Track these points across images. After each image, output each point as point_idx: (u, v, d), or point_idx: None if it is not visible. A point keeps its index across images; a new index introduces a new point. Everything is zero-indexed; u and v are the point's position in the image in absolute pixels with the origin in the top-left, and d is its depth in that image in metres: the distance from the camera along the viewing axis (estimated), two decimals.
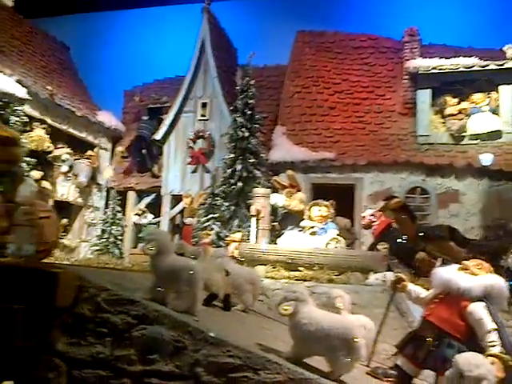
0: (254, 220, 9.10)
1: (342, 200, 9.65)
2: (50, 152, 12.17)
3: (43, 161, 11.76)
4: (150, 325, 4.48)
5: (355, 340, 4.10)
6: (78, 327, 4.70)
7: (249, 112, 11.26)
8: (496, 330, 3.96)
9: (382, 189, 10.38)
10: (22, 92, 9.94)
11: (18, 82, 10.41)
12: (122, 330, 4.53)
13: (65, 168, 12.59)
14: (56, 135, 12.36)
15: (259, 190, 9.49)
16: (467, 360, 3.50)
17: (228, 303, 5.90)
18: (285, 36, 13.74)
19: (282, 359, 4.16)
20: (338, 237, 8.35)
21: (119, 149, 14.08)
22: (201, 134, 12.62)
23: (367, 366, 5.07)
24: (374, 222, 8.59)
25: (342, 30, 13.89)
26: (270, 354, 4.23)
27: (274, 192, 9.62)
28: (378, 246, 8.07)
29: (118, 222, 13.29)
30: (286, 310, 4.27)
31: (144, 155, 13.71)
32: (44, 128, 11.67)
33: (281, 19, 15.48)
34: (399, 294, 5.28)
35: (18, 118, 10.35)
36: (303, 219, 9.05)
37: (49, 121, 11.98)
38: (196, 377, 4.16)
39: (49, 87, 12.03)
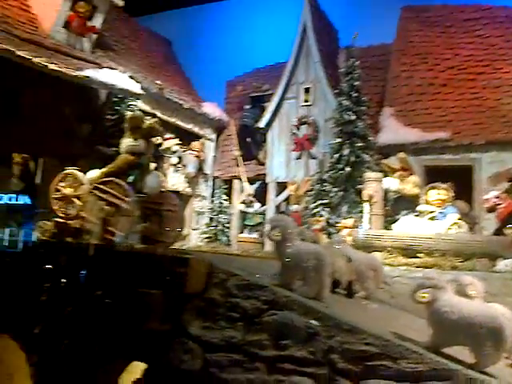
0: (366, 205, 8.85)
1: (458, 182, 9.09)
2: (159, 144, 12.62)
3: (155, 152, 12.22)
4: (280, 310, 4.49)
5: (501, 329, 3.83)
6: (210, 312, 4.83)
7: (354, 94, 10.96)
8: None
9: (504, 169, 9.65)
10: (136, 87, 10.35)
11: (131, 77, 10.86)
12: (252, 315, 4.58)
13: (174, 159, 13.03)
14: (165, 127, 12.80)
15: (371, 175, 9.21)
16: None
17: (351, 290, 5.79)
18: (388, 13, 13.21)
19: (421, 348, 3.98)
20: (460, 221, 7.90)
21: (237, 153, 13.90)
22: (304, 119, 12.50)
23: (507, 358, 4.73)
24: (499, 204, 8.01)
25: (449, 2, 13.09)
26: (406, 342, 4.06)
27: (384, 176, 9.29)
28: (506, 230, 7.52)
29: (224, 210, 13.59)
30: (423, 297, 4.07)
31: (248, 143, 13.85)
32: (155, 121, 12.09)
33: None
34: None
35: (131, 113, 10.81)
36: (417, 204, 8.66)
37: (159, 114, 12.42)
38: (331, 364, 4.10)
39: (158, 82, 12.47)
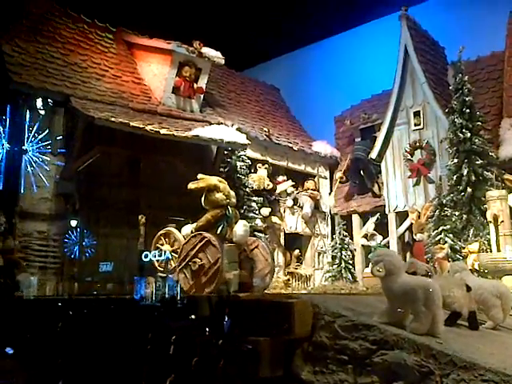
0: (492, 226, 8.19)
1: None
2: (273, 189, 12.91)
3: (269, 198, 12.53)
4: (391, 350, 4.27)
5: None
6: (319, 355, 4.75)
7: (467, 110, 10.35)
8: None
9: None
10: (242, 138, 10.81)
11: (238, 129, 11.38)
12: (362, 357, 4.42)
13: (290, 202, 13.21)
14: (277, 171, 13.13)
15: (493, 193, 8.55)
16: None
17: (474, 321, 5.34)
18: (495, 20, 12.44)
19: None
20: None
21: (338, 174, 14.26)
22: (417, 144, 12.05)
23: None
24: None
25: None
26: None
27: (510, 193, 8.57)
28: None
29: (346, 246, 13.36)
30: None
31: (362, 176, 13.64)
32: (266, 168, 12.49)
33: (485, 4, 14.08)
34: None
35: (242, 163, 11.28)
36: None
37: (269, 160, 12.78)
38: None
39: (265, 129, 12.91)
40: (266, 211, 11.95)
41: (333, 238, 13.68)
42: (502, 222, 8.15)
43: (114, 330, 7.54)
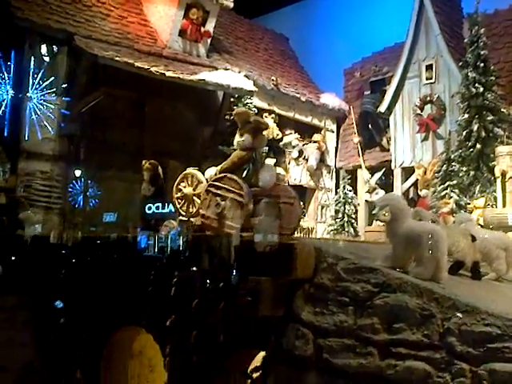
0: (499, 182, 8.08)
1: None
2: (279, 139, 12.77)
3: (275, 148, 12.39)
4: (393, 293, 4.25)
5: None
6: (320, 297, 4.74)
7: (481, 64, 10.07)
8: None
9: None
10: (249, 85, 10.59)
11: (246, 76, 11.13)
12: (363, 299, 4.39)
13: (295, 154, 13.07)
14: (283, 122, 12.93)
15: (503, 148, 8.41)
16: None
17: (477, 271, 5.31)
18: None
19: None
20: None
21: (356, 139, 13.50)
22: (428, 98, 11.79)
23: None
24: None
25: None
26: None
27: None
28: None
29: (350, 201, 13.31)
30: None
31: (371, 130, 13.42)
32: (272, 118, 12.29)
33: None
34: None
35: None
36: None
37: (276, 110, 12.56)
38: (448, 347, 3.78)
39: (273, 78, 12.63)
40: (270, 161, 11.81)
41: (337, 192, 13.61)
42: (510, 178, 8.04)
43: (115, 269, 7.59)
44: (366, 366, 4.15)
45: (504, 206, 7.85)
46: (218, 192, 6.53)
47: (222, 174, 6.72)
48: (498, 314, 3.65)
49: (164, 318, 6.97)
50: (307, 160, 13.30)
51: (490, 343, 3.60)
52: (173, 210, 7.92)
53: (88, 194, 9.70)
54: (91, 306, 8.10)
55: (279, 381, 4.75)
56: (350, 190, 13.35)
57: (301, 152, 13.20)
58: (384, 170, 12.92)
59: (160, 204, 8.37)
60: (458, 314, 3.77)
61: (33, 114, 9.22)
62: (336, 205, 13.37)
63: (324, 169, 13.93)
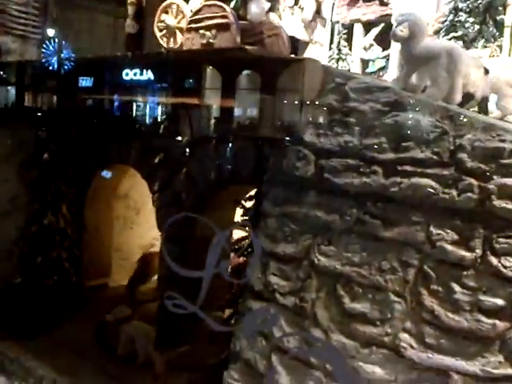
0: (507, 32, 7.69)
1: None
2: None
3: None
4: (404, 111, 4.07)
5: None
6: (325, 118, 4.54)
7: None
8: None
9: None
10: None
11: None
12: (371, 119, 4.21)
13: (291, 1, 12.18)
14: None
15: None
16: None
17: (485, 107, 5.14)
18: None
19: None
20: None
21: None
22: None
23: None
24: None
25: None
26: None
27: None
28: None
29: (343, 58, 12.73)
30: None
31: None
32: None
33: None
34: None
35: None
36: None
37: None
38: (458, 163, 3.69)
39: None
40: (266, 5, 11.02)
41: (330, 48, 12.97)
42: None
43: (101, 100, 7.25)
44: (369, 185, 4.09)
45: (510, 55, 7.53)
46: (201, 25, 6.07)
47: (200, 5, 6.21)
48: None
49: (153, 155, 6.84)
50: (302, 9, 12.46)
51: (503, 159, 3.52)
52: None
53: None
54: (77, 142, 7.85)
55: (276, 202, 4.70)
56: (345, 46, 12.71)
57: (296, 0, 12.32)
58: (383, 25, 12.22)
59: None
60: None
61: None
62: (329, 61, 12.80)
63: (319, 21, 13.12)
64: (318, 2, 12.62)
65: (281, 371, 3.84)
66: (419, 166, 3.86)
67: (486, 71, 4.97)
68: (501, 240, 3.38)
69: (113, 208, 8.68)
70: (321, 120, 4.50)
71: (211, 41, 5.99)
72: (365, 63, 12.47)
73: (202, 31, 6.02)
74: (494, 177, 3.52)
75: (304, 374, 3.80)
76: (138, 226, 8.95)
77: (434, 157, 3.80)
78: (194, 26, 6.07)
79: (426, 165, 3.82)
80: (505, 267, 3.34)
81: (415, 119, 3.94)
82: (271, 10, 11.43)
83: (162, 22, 6.71)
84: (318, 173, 4.40)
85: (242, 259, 4.93)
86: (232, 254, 4.99)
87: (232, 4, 6.22)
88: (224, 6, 5.79)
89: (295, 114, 4.64)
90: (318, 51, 13.24)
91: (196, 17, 6.06)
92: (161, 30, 6.70)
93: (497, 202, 3.42)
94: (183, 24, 6.46)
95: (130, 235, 8.60)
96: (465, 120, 3.73)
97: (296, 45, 12.70)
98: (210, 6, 5.95)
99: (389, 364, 3.55)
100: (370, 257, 3.82)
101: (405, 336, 3.57)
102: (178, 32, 6.54)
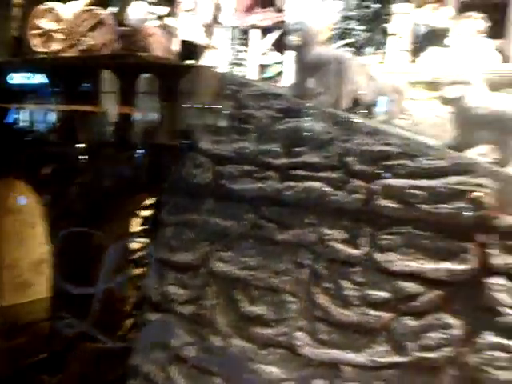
0: (391, 40, 8.20)
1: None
2: None
3: None
4: (296, 118, 4.21)
5: None
6: (221, 125, 4.58)
7: None
8: None
9: None
10: None
11: None
12: (266, 125, 4.32)
13: (190, 4, 12.14)
14: None
15: (399, 7, 8.43)
16: None
17: (372, 111, 5.45)
18: None
19: (443, 145, 3.74)
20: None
21: None
22: None
23: None
24: None
25: None
26: (428, 140, 3.82)
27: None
28: None
29: (239, 63, 12.91)
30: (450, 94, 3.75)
31: None
32: None
33: None
34: None
35: None
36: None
37: None
38: (346, 166, 3.89)
39: None
40: (164, 10, 10.87)
41: (229, 53, 13.09)
42: (401, 38, 8.18)
43: None
44: (264, 190, 4.19)
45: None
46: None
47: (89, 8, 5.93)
48: (399, 134, 3.78)
49: (43, 166, 6.50)
50: (201, 14, 12.47)
51: (385, 161, 3.75)
52: None
53: None
54: None
55: (174, 210, 4.68)
56: (242, 52, 12.90)
57: (195, 4, 12.30)
58: (281, 31, 12.55)
59: None
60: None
61: None
62: (227, 66, 12.92)
63: (217, 26, 13.21)
64: (216, 6, 12.72)
65: (180, 382, 3.83)
66: (311, 170, 4.01)
67: (372, 77, 5.28)
68: (384, 237, 3.62)
69: (5, 224, 8.18)
70: (217, 127, 4.53)
71: (91, 43, 5.76)
72: (262, 68, 12.73)
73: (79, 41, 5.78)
74: (379, 178, 3.74)
75: (205, 382, 3.83)
76: (34, 240, 8.49)
77: (325, 161, 3.97)
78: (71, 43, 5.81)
79: (318, 168, 3.99)
80: (388, 262, 3.58)
81: (307, 125, 4.09)
82: (169, 14, 11.37)
83: (39, 29, 6.33)
84: (216, 179, 4.44)
85: (139, 270, 4.85)
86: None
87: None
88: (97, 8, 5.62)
89: (191, 120, 4.63)
90: (216, 56, 13.36)
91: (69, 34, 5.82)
92: (38, 36, 6.33)
93: (381, 202, 3.65)
94: (64, 25, 6.14)
95: (22, 251, 8.13)
96: (353, 125, 3.93)
97: (194, 49, 12.74)
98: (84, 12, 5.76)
99: (285, 363, 3.69)
100: (267, 260, 3.93)
101: (299, 334, 3.73)
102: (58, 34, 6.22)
